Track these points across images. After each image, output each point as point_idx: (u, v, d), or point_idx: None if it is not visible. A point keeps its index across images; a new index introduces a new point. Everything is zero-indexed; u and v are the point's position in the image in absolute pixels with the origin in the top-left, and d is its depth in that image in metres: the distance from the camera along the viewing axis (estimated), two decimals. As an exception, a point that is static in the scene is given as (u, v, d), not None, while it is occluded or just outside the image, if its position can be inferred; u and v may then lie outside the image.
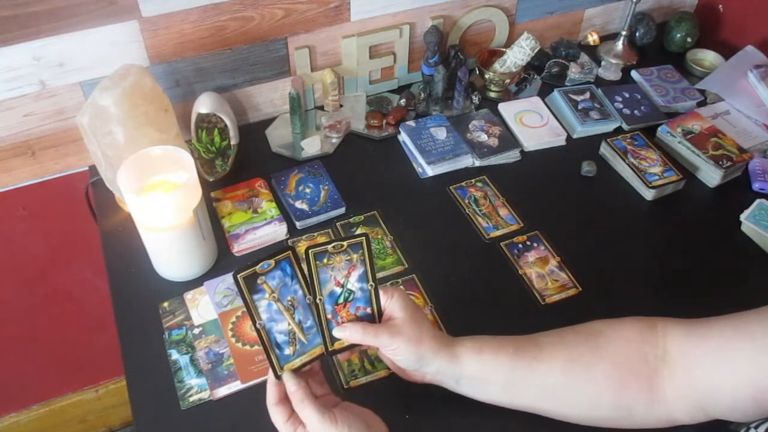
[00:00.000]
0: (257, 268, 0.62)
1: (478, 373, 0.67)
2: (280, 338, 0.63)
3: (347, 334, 0.65)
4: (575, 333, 0.69)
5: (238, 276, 0.61)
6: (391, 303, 0.66)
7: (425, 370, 0.67)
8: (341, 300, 0.65)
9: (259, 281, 0.62)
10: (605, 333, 0.67)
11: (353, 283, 0.65)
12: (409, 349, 0.64)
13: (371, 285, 0.66)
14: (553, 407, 0.68)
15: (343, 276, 0.65)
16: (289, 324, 0.64)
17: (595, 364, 0.65)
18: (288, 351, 0.64)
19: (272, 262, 0.62)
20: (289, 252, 0.63)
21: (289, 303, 0.64)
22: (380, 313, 0.67)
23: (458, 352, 0.67)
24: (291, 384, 0.62)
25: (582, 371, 0.65)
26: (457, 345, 0.67)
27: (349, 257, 0.65)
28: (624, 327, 0.68)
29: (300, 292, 0.64)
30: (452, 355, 0.66)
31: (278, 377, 0.63)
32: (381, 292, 0.66)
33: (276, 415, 0.62)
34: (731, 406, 0.60)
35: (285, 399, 0.63)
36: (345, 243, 0.64)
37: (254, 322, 0.62)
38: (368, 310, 0.67)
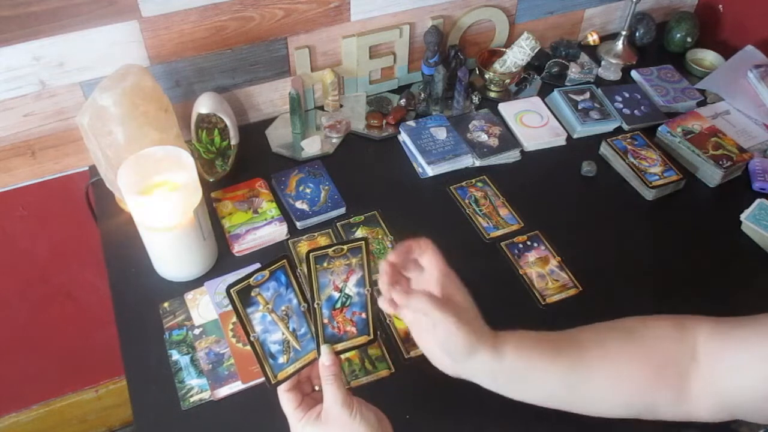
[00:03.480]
0: (251, 280, 0.60)
1: (519, 371, 0.64)
2: (274, 348, 0.62)
3: (414, 302, 0.60)
4: (612, 330, 0.67)
5: (231, 291, 0.59)
6: (446, 280, 0.62)
7: (466, 365, 0.63)
8: (338, 305, 0.65)
9: (253, 293, 0.61)
10: (641, 331, 0.66)
11: (351, 288, 0.65)
12: (467, 338, 0.60)
13: (368, 290, 0.65)
14: (584, 404, 0.66)
15: (342, 280, 0.64)
16: (283, 333, 0.63)
17: (633, 363, 0.64)
18: (282, 360, 0.63)
19: (266, 273, 0.61)
20: (284, 261, 0.62)
21: (284, 313, 0.63)
22: (375, 319, 0.66)
23: (502, 348, 0.63)
24: (327, 358, 0.62)
25: (620, 371, 0.64)
26: (500, 340, 0.64)
27: (348, 261, 0.64)
28: (658, 325, 0.66)
29: (294, 301, 0.63)
30: (495, 350, 0.63)
31: (272, 386, 0.62)
32: (414, 244, 0.63)
33: (287, 402, 0.62)
34: (755, 407, 0.59)
35: (296, 387, 0.63)
36: (345, 247, 0.63)
37: (248, 336, 0.61)
38: (363, 315, 0.66)
